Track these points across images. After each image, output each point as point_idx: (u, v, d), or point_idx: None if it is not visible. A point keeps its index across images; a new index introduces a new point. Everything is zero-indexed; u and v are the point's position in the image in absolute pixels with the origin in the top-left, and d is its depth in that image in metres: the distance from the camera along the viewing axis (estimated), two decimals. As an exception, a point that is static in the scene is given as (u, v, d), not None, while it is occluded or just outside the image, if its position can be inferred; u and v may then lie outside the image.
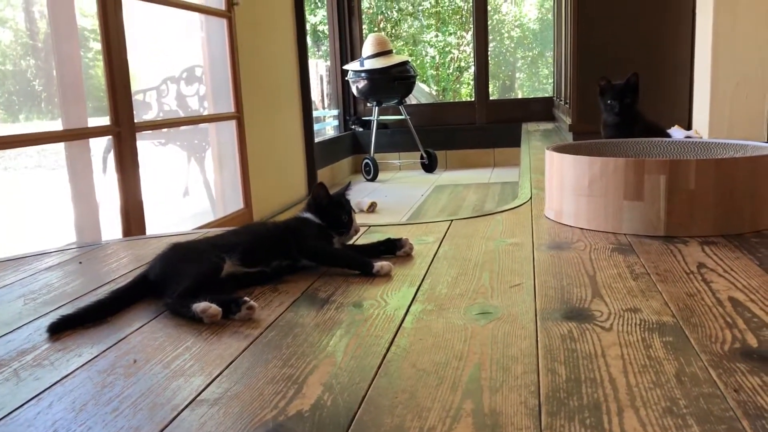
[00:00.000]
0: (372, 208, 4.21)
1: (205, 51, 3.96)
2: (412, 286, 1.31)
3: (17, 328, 1.19)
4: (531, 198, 2.15)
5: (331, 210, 1.49)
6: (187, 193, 4.66)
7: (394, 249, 1.54)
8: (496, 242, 1.63)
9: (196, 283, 1.23)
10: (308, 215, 1.50)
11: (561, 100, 4.91)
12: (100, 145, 3.22)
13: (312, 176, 4.97)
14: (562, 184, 1.77)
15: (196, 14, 3.78)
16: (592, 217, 1.68)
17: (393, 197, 4.52)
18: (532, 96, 8.75)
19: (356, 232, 1.52)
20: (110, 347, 1.08)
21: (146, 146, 4.41)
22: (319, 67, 7.37)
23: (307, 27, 5.22)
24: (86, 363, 1.01)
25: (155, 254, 1.36)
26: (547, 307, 1.15)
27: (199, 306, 1.14)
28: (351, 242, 1.56)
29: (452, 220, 1.88)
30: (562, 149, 1.89)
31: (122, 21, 2.75)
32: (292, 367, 0.96)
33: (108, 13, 2.67)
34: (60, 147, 2.68)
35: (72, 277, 1.53)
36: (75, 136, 2.61)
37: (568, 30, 4.18)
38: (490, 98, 6.40)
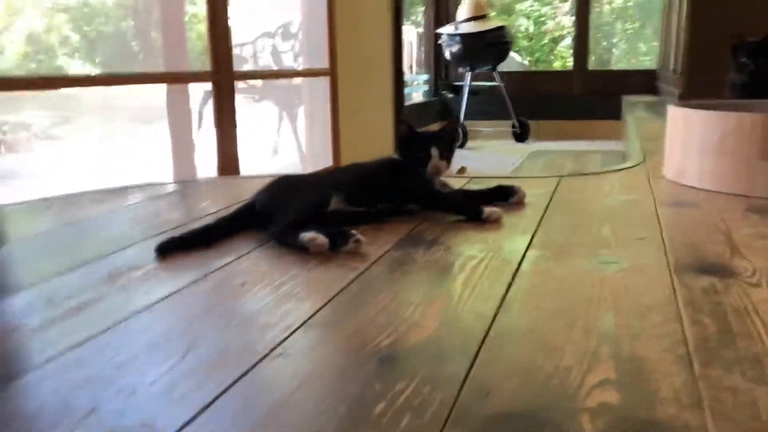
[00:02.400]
0: (462, 171, 4.11)
1: (303, 6, 3.93)
2: (525, 233, 1.23)
3: (126, 246, 1.19)
4: (645, 160, 2.01)
5: (411, 146, 1.40)
6: (277, 150, 4.70)
7: (506, 196, 1.46)
8: (612, 198, 1.52)
9: (303, 214, 1.19)
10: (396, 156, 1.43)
11: (669, 72, 4.63)
12: (196, 99, 3.26)
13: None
14: (685, 142, 1.64)
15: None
16: (721, 177, 1.54)
17: (483, 164, 4.41)
18: (631, 68, 8.33)
19: (438, 171, 1.38)
20: (216, 269, 1.05)
21: (241, 102, 4.46)
22: (409, 34, 7.26)
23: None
24: (194, 282, 0.99)
25: (253, 191, 1.32)
26: (681, 261, 1.04)
27: (307, 235, 1.10)
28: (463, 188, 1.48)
29: (561, 176, 1.77)
30: (687, 105, 1.74)
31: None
32: (404, 300, 0.90)
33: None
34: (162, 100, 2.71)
35: (175, 207, 1.53)
36: (176, 79, 2.63)
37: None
38: (589, 69, 6.14)
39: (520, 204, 1.46)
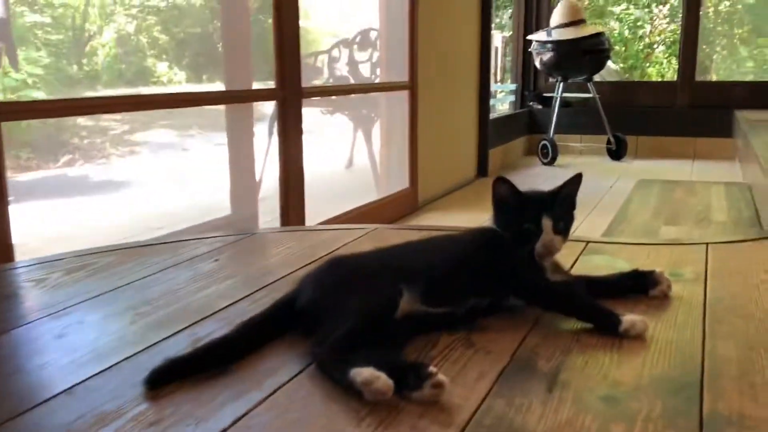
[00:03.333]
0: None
1: (382, 12, 3.58)
2: (688, 365, 0.83)
3: (108, 368, 0.85)
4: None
5: (512, 214, 1.01)
6: (351, 164, 4.38)
7: (644, 286, 1.05)
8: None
9: (361, 326, 0.83)
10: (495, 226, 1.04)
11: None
12: (267, 113, 2.97)
13: (483, 156, 4.50)
14: None
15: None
16: None
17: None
18: (743, 80, 7.58)
19: (551, 251, 1.00)
20: (233, 423, 0.70)
21: (313, 113, 4.16)
22: (495, 39, 6.82)
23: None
24: (184, 463, 0.64)
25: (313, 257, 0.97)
26: None
27: (361, 374, 0.73)
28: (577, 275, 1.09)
29: (707, 244, 1.34)
30: None
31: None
32: None
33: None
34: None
35: (208, 278, 1.20)
36: (236, 99, 2.33)
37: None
38: (696, 79, 5.54)
39: (664, 297, 1.05)
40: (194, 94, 2.34)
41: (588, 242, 1.36)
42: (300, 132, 2.53)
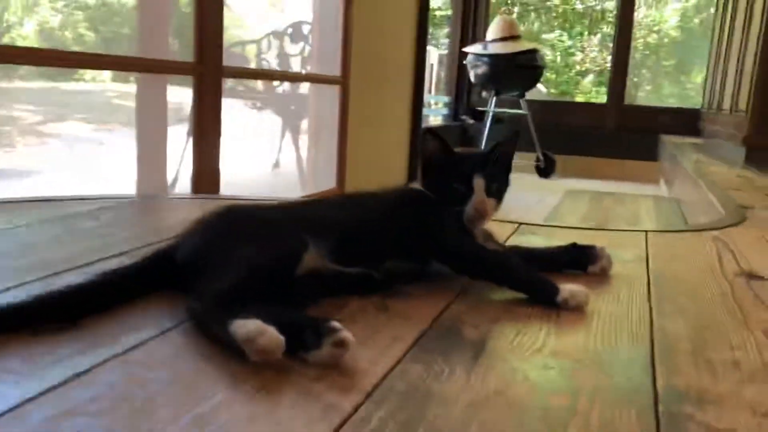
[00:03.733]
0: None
1: (315, 6, 3.45)
2: (636, 340, 0.71)
3: None
4: (745, 216, 1.48)
5: (442, 172, 0.89)
6: (278, 164, 4.20)
7: (584, 261, 0.94)
8: (732, 276, 1.00)
9: (252, 278, 0.68)
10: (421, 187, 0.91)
11: (721, 112, 4.12)
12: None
13: (414, 164, 4.40)
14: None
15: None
16: None
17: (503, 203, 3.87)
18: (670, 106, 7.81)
19: (483, 214, 0.88)
20: (65, 382, 0.53)
21: (239, 107, 3.97)
22: (431, 55, 6.80)
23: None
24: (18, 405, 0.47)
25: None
26: None
27: (245, 327, 0.58)
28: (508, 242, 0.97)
29: (646, 231, 1.25)
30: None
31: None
32: None
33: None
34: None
35: (80, 235, 1.01)
36: (149, 67, 2.13)
37: (748, 27, 3.44)
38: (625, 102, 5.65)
39: (603, 275, 0.94)
40: (105, 56, 2.13)
41: (520, 224, 1.24)
42: (218, 117, 2.34)
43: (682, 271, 1.01)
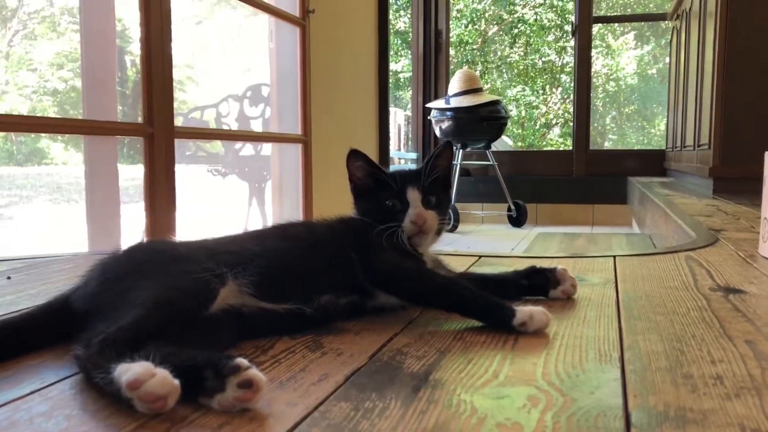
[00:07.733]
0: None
1: (273, 65, 3.43)
2: (605, 360, 0.62)
3: None
4: (717, 239, 1.41)
5: (372, 192, 0.82)
6: (246, 228, 4.11)
7: (545, 285, 0.85)
8: (713, 290, 0.91)
9: (148, 317, 0.57)
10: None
11: (685, 149, 4.14)
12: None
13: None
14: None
15: (265, 22, 3.27)
16: None
17: (477, 250, 3.81)
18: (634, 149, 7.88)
19: (420, 228, 0.80)
20: None
21: (201, 174, 3.90)
22: (397, 116, 6.84)
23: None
24: None
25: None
26: None
27: (130, 371, 0.48)
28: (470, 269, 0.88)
29: (614, 256, 1.17)
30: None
31: (168, 8, 2.18)
32: None
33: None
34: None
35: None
36: (97, 129, 2.05)
37: (702, 67, 3.49)
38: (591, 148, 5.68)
39: (568, 299, 0.85)
40: (50, 119, 2.05)
41: (481, 256, 1.16)
42: (172, 179, 2.25)
43: (655, 290, 0.93)
